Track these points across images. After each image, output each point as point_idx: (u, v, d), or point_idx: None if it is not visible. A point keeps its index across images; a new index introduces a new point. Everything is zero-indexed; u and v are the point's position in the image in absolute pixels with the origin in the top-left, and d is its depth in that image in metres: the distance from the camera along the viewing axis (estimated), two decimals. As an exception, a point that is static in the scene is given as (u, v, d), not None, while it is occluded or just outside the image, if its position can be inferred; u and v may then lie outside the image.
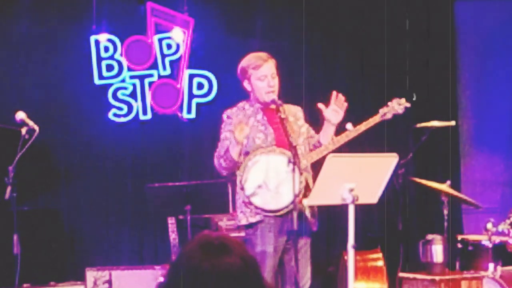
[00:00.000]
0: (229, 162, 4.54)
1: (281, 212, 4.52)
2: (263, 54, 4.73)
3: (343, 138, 4.67)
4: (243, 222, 4.61)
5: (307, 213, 4.61)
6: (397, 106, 4.82)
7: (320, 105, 4.70)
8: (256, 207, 4.50)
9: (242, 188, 4.51)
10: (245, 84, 4.71)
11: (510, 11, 7.54)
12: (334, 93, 4.72)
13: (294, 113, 4.81)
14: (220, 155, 4.58)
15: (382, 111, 4.80)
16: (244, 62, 4.71)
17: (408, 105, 4.86)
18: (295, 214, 4.36)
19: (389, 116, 4.81)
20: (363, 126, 4.71)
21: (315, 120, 6.98)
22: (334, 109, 4.68)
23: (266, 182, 4.49)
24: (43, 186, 6.75)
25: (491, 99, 7.60)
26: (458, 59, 7.58)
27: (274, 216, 4.53)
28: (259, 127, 4.65)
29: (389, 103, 4.83)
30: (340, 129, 4.76)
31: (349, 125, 4.68)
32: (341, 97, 4.70)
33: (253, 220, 4.56)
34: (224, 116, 4.72)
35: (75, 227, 6.84)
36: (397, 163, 4.31)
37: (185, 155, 7.09)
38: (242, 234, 4.77)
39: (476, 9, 7.63)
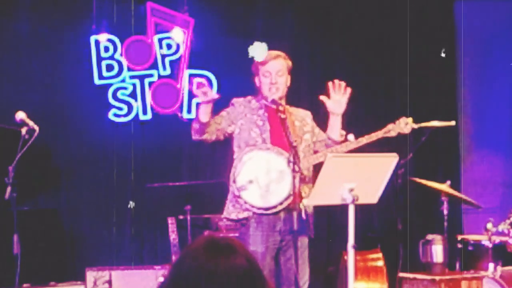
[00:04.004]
0: (195, 124, 4.59)
1: (270, 211, 4.52)
2: (275, 52, 4.76)
3: (343, 148, 4.66)
4: (233, 216, 4.61)
5: (303, 214, 4.60)
6: (404, 125, 4.75)
7: (323, 97, 4.69)
8: (245, 202, 4.50)
9: (234, 181, 4.52)
10: (256, 79, 4.74)
11: (510, 11, 7.54)
12: (330, 83, 4.70)
13: (302, 118, 4.82)
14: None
15: (387, 127, 4.74)
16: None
17: (415, 126, 4.80)
18: (294, 214, 4.36)
19: (393, 134, 4.73)
20: (365, 140, 4.68)
21: (316, 120, 7.00)
22: (336, 99, 4.67)
23: (258, 178, 4.50)
24: (43, 186, 6.74)
25: (491, 99, 7.60)
26: (458, 59, 7.59)
27: (264, 215, 4.53)
28: (257, 121, 4.67)
29: (396, 121, 4.75)
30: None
31: (350, 136, 4.68)
32: (341, 84, 4.67)
33: (241, 216, 4.56)
34: (231, 103, 4.75)
35: (75, 227, 6.84)
36: (397, 163, 4.31)
37: (185, 155, 7.09)
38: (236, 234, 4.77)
39: (476, 9, 7.63)
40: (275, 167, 4.51)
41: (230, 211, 4.62)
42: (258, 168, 4.52)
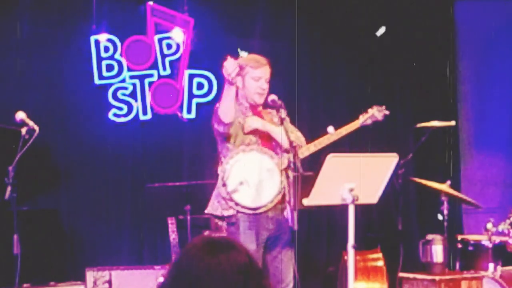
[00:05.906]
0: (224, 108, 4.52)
1: (261, 210, 4.57)
2: (263, 58, 4.81)
3: (325, 141, 4.69)
4: (218, 212, 4.65)
5: (285, 213, 4.64)
6: (377, 113, 4.87)
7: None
8: (236, 204, 4.55)
9: (224, 185, 4.55)
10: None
11: (510, 11, 7.54)
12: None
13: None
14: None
15: (362, 117, 4.84)
16: (243, 60, 4.79)
17: (387, 112, 4.90)
18: (295, 214, 4.37)
19: (369, 122, 4.85)
20: (344, 131, 4.77)
21: (315, 119, 7.00)
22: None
23: (248, 179, 4.56)
24: (43, 186, 6.74)
25: (491, 99, 7.60)
26: (458, 59, 7.59)
27: (253, 214, 4.58)
28: None
29: (369, 110, 4.88)
30: (322, 132, 4.77)
31: (330, 128, 4.70)
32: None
33: (226, 213, 4.61)
34: (218, 105, 4.74)
35: (75, 227, 6.84)
36: (397, 163, 4.32)
37: (185, 155, 7.09)
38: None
39: (476, 9, 7.64)
40: (263, 166, 4.58)
41: (216, 207, 4.67)
42: (246, 169, 4.57)
